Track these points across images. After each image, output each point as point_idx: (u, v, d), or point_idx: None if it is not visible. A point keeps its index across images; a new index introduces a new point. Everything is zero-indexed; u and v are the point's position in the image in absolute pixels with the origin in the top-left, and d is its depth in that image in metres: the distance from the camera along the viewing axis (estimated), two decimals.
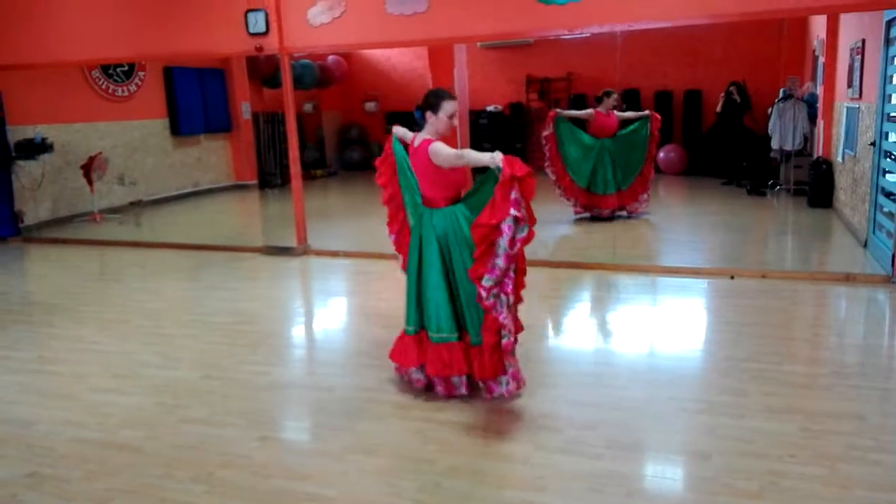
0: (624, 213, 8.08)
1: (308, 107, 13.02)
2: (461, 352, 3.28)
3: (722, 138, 10.16)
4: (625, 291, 5.35)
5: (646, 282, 5.52)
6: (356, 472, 2.76)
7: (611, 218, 7.96)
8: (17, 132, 8.10)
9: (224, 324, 4.71)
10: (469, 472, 2.73)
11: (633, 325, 4.56)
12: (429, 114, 3.24)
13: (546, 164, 8.16)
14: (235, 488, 2.68)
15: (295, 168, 7.01)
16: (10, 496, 2.69)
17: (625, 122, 8.12)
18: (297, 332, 4.82)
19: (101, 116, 9.52)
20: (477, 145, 12.03)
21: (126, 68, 9.83)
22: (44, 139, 8.12)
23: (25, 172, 8.22)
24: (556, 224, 8.22)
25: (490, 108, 12.62)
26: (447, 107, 3.22)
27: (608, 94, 8.07)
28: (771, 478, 2.60)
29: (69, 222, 8.80)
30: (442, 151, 3.13)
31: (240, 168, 12.08)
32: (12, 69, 7.71)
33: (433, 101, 3.24)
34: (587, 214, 8.06)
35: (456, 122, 3.25)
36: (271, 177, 12.06)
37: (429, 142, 3.20)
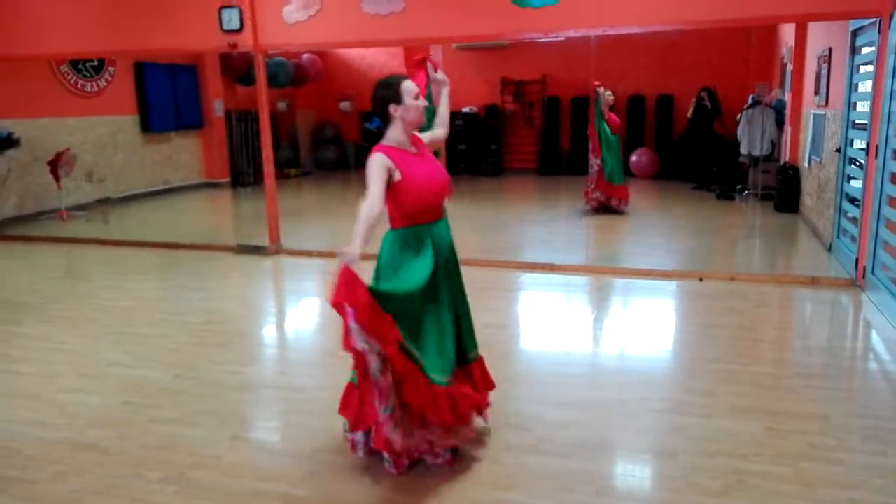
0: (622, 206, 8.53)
1: (282, 105, 12.94)
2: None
3: (693, 143, 10.34)
4: (595, 293, 5.41)
5: (616, 284, 5.59)
6: (328, 473, 2.76)
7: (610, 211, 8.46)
8: None
9: (195, 323, 4.66)
10: (439, 470, 2.74)
11: (603, 326, 4.62)
12: (392, 107, 2.63)
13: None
14: (206, 489, 2.65)
15: (268, 167, 6.96)
16: None
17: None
18: (269, 332, 4.79)
19: (69, 111, 9.34)
20: (453, 146, 12.08)
21: (96, 63, 9.66)
22: (10, 134, 7.95)
23: None
24: (525, 224, 8.29)
25: (465, 110, 12.66)
26: (408, 88, 2.63)
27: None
28: (736, 476, 2.66)
29: (35, 219, 8.62)
30: (369, 166, 2.58)
31: (211, 166, 11.94)
32: None
33: (390, 92, 2.64)
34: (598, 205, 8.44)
35: (422, 101, 2.67)
36: (244, 175, 11.96)
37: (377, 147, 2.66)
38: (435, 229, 2.71)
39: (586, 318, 4.83)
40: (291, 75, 12.24)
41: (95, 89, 9.75)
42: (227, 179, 12.00)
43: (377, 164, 2.53)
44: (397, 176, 2.57)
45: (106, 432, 3.13)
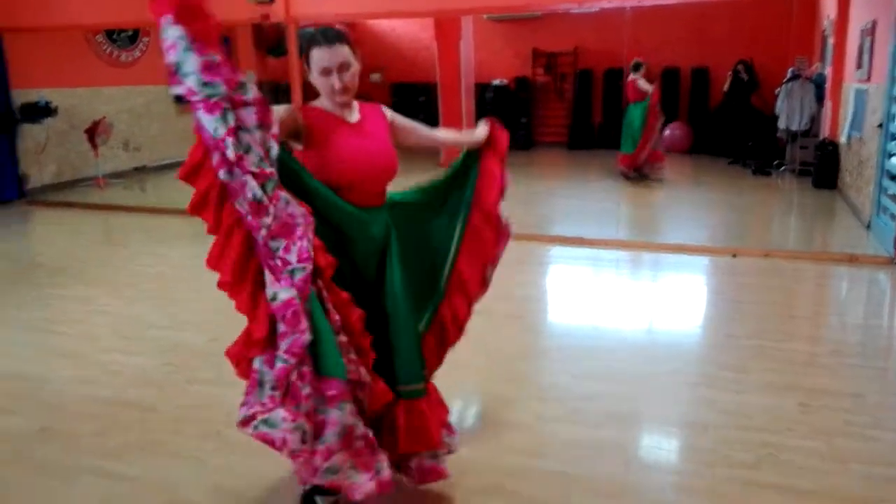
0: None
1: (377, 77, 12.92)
2: None
3: (729, 117, 10.12)
4: (625, 267, 5.38)
5: (647, 258, 5.55)
6: None
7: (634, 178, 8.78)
8: (22, 95, 8.07)
9: None
10: (470, 438, 2.79)
11: (635, 300, 4.60)
12: (306, 68, 2.13)
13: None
14: (243, 444, 2.73)
15: None
16: (23, 450, 2.74)
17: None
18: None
19: (105, 81, 9.46)
20: (482, 119, 11.97)
21: (130, 33, 9.75)
22: (48, 103, 8.09)
23: (30, 136, 8.22)
24: (555, 198, 8.24)
25: (496, 82, 12.54)
26: (316, 58, 2.06)
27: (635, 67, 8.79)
28: (768, 450, 2.66)
29: (73, 186, 8.80)
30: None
31: None
32: (17, 32, 7.66)
33: (301, 47, 2.15)
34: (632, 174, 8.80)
35: (335, 81, 2.06)
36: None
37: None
38: (371, 216, 2.17)
39: (617, 293, 4.81)
40: None
41: (130, 59, 9.86)
42: None
43: (282, 108, 2.02)
44: (304, 134, 2.08)
45: (147, 391, 3.23)
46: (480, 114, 11.48)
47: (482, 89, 12.10)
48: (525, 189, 8.90)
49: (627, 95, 8.92)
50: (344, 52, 2.05)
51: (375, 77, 13.93)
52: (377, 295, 2.18)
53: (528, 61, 12.56)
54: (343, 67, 2.05)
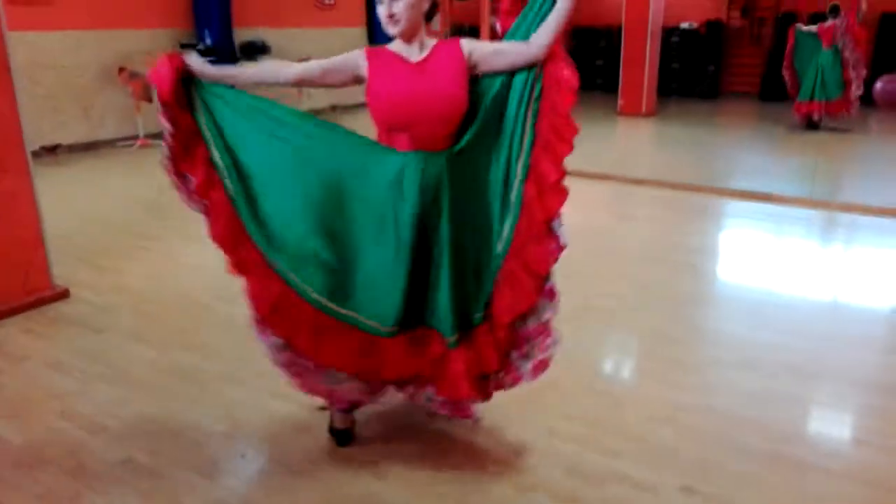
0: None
1: (493, 21, 13.05)
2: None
3: None
4: (816, 227, 5.12)
5: (841, 219, 5.23)
6: None
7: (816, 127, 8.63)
8: (241, 34, 9.04)
9: None
10: (641, 371, 2.95)
11: (822, 260, 4.41)
12: None
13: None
14: None
15: None
16: None
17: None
18: None
19: (309, 22, 10.29)
20: (665, 65, 11.48)
21: None
22: (263, 42, 9.00)
23: None
24: (740, 151, 7.84)
25: (684, 26, 11.92)
26: None
27: (833, 11, 8.44)
28: None
29: None
30: None
31: None
32: None
33: None
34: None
35: (383, 10, 2.02)
36: None
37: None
38: (411, 162, 2.05)
39: (803, 252, 4.63)
40: None
41: (332, 2, 10.60)
42: None
43: (344, 55, 2.09)
44: (364, 76, 2.07)
45: None
46: (665, 61, 11.05)
47: (668, 34, 11.56)
48: (707, 140, 8.56)
49: (822, 41, 8.46)
50: None
51: None
52: (429, 241, 2.11)
53: (723, 3, 11.78)
54: (393, 1, 1.98)
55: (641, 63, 10.02)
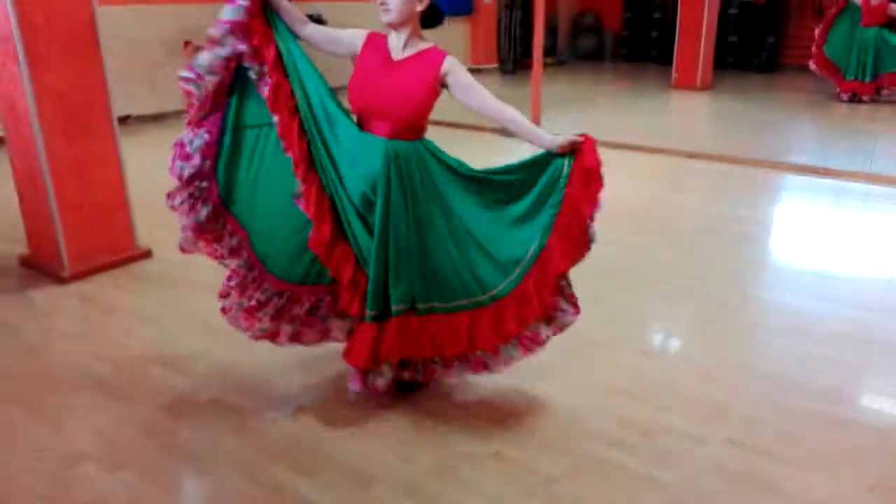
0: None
1: None
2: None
3: None
4: (875, 202, 5.06)
5: None
6: None
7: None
8: (301, 8, 9.21)
9: None
10: (691, 335, 3.06)
11: (877, 235, 4.39)
12: None
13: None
14: None
15: (537, 53, 7.29)
16: None
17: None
18: None
19: None
20: (722, 38, 11.21)
21: None
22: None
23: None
24: (798, 124, 7.70)
25: None
26: None
27: None
28: None
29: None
30: None
31: (477, 52, 12.54)
32: None
33: None
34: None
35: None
36: (504, 63, 12.40)
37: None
38: (369, 143, 2.22)
39: (862, 227, 4.60)
40: None
41: None
42: (492, 65, 12.55)
43: (351, 30, 2.29)
44: (356, 55, 2.27)
45: None
46: (722, 33, 10.81)
47: (725, 5, 11.29)
48: (763, 114, 8.42)
49: (864, 17, 8.41)
50: None
51: None
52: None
53: None
54: None
55: (697, 35, 9.84)
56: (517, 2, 12.16)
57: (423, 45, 2.25)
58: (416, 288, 2.31)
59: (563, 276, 2.30)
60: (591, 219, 2.24)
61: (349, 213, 2.27)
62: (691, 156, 6.27)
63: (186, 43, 7.99)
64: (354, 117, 2.28)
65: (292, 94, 2.21)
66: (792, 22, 11.62)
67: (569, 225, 2.25)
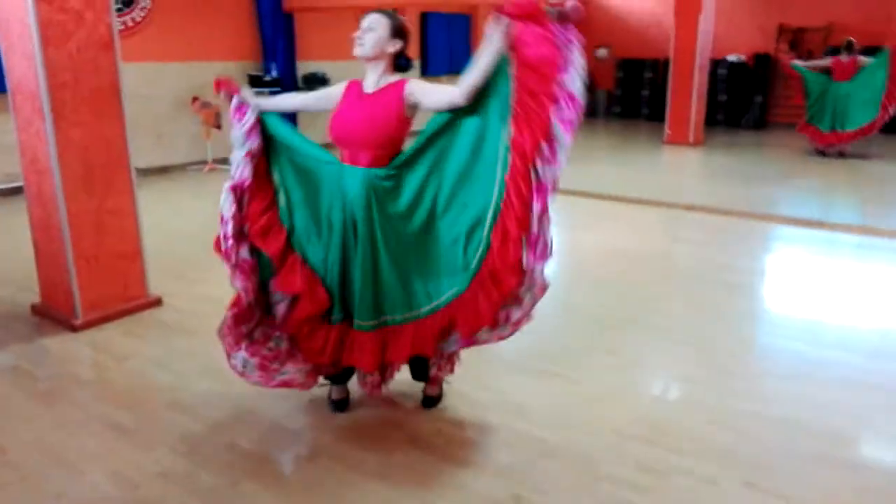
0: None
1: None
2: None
3: None
4: (864, 253, 5.19)
5: (892, 246, 5.29)
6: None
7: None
8: (304, 66, 9.54)
9: None
10: (693, 380, 3.12)
11: (872, 284, 4.49)
12: None
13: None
14: None
15: None
16: None
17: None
18: None
19: None
20: (713, 97, 11.60)
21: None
22: (323, 74, 9.48)
23: None
24: (789, 179, 7.92)
25: (731, 58, 12.06)
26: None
27: (850, 47, 8.88)
28: None
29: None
30: None
31: None
32: (304, 11, 9.07)
33: None
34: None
35: (357, 33, 2.45)
36: None
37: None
38: (346, 173, 2.46)
39: (852, 276, 4.71)
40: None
41: None
42: None
43: (334, 86, 2.57)
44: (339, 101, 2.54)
45: None
46: (712, 92, 11.19)
47: (715, 65, 11.72)
48: (754, 169, 8.65)
49: (838, 75, 8.93)
50: (373, 19, 2.43)
51: (602, 53, 14.03)
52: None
53: (771, 36, 11.90)
54: (365, 30, 2.42)
55: (689, 94, 10.19)
56: None
57: (394, 79, 2.47)
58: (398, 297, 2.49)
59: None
60: (561, 78, 2.18)
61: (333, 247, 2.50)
62: (688, 208, 6.43)
63: (195, 98, 8.23)
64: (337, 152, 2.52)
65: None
66: (779, 82, 12.04)
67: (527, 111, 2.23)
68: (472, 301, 2.36)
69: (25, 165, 3.74)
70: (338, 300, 2.53)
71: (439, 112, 2.40)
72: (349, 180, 2.44)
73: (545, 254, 2.29)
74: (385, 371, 2.68)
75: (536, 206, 2.23)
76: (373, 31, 2.42)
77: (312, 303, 2.49)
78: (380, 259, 2.46)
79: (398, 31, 2.46)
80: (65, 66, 3.50)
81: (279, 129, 2.56)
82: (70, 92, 3.54)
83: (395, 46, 2.45)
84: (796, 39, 11.67)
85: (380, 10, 2.50)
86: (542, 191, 2.23)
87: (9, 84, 3.68)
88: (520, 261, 2.27)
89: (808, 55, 10.80)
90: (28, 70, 3.50)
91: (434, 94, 2.40)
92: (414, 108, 2.43)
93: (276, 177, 2.57)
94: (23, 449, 2.60)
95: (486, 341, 2.47)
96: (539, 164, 2.22)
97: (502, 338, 2.45)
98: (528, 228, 2.25)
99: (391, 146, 2.45)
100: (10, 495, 2.33)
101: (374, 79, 2.46)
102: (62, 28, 3.47)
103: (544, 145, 2.20)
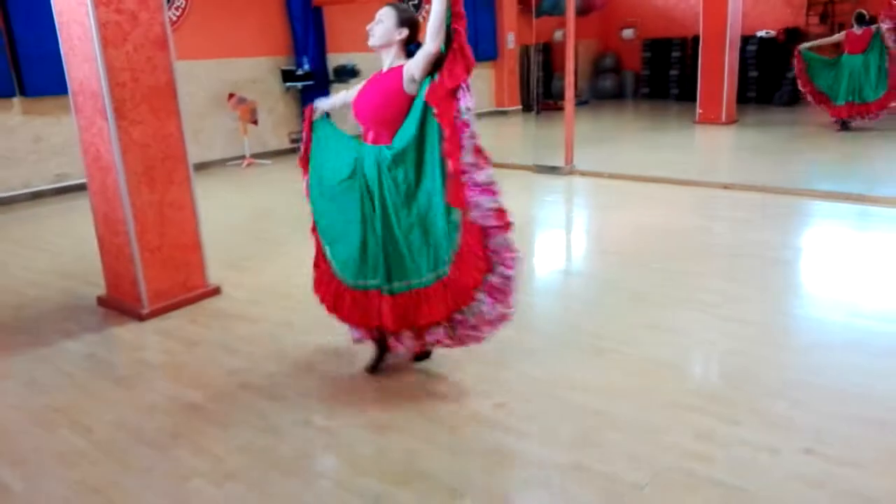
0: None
1: (558, 35, 13.34)
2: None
3: None
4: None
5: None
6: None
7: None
8: (334, 59, 9.66)
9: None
10: (744, 353, 3.18)
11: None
12: None
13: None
14: None
15: (569, 93, 7.57)
16: None
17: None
18: (576, 236, 5.49)
19: None
20: (743, 74, 11.49)
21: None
22: (354, 66, 9.59)
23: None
24: (823, 153, 7.85)
25: (761, 34, 11.93)
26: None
27: (861, 18, 8.82)
28: None
29: None
30: None
31: (501, 94, 12.94)
32: (333, 4, 9.16)
33: None
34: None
35: (371, 24, 2.74)
36: (528, 105, 12.78)
37: None
38: (365, 150, 2.79)
39: (890, 250, 4.71)
40: (580, 5, 12.56)
41: None
42: (514, 107, 12.93)
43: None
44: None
45: None
46: (742, 69, 11.08)
47: (744, 41, 11.60)
48: (789, 145, 8.59)
49: (851, 48, 8.89)
50: (382, 11, 2.71)
51: (628, 33, 13.96)
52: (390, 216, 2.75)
53: (801, 10, 11.74)
54: (375, 22, 2.71)
55: (720, 72, 10.12)
56: (538, 47, 12.58)
57: (401, 62, 2.71)
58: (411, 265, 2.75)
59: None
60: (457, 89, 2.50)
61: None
62: (725, 187, 6.43)
63: (231, 95, 8.40)
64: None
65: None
66: None
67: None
68: (458, 260, 2.64)
69: (88, 163, 3.91)
70: (360, 266, 2.84)
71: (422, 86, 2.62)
72: (367, 158, 2.77)
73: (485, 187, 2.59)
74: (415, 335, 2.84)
75: (467, 141, 2.51)
76: (381, 23, 2.70)
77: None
78: (392, 225, 2.73)
79: (404, 21, 2.72)
80: (123, 65, 3.65)
81: (321, 130, 3.01)
82: (129, 91, 3.69)
83: (401, 35, 2.71)
84: (826, 12, 11.49)
85: (391, 3, 2.77)
86: (465, 125, 2.51)
87: (70, 85, 3.84)
88: (461, 187, 2.55)
89: (839, 29, 10.64)
90: (90, 71, 3.65)
91: (417, 58, 2.60)
92: (412, 83, 2.63)
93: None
94: (107, 429, 2.76)
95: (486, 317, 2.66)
96: (461, 108, 2.50)
97: (505, 318, 2.67)
98: (460, 158, 2.52)
99: (395, 123, 2.69)
100: (100, 470, 2.49)
101: (387, 64, 2.76)
102: (119, 28, 3.62)
103: (463, 89, 2.50)
